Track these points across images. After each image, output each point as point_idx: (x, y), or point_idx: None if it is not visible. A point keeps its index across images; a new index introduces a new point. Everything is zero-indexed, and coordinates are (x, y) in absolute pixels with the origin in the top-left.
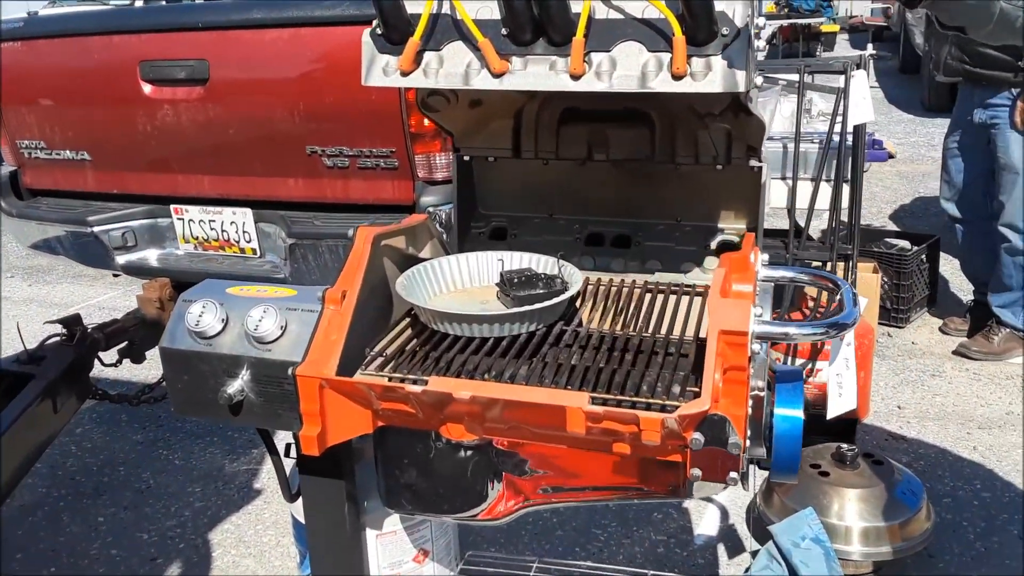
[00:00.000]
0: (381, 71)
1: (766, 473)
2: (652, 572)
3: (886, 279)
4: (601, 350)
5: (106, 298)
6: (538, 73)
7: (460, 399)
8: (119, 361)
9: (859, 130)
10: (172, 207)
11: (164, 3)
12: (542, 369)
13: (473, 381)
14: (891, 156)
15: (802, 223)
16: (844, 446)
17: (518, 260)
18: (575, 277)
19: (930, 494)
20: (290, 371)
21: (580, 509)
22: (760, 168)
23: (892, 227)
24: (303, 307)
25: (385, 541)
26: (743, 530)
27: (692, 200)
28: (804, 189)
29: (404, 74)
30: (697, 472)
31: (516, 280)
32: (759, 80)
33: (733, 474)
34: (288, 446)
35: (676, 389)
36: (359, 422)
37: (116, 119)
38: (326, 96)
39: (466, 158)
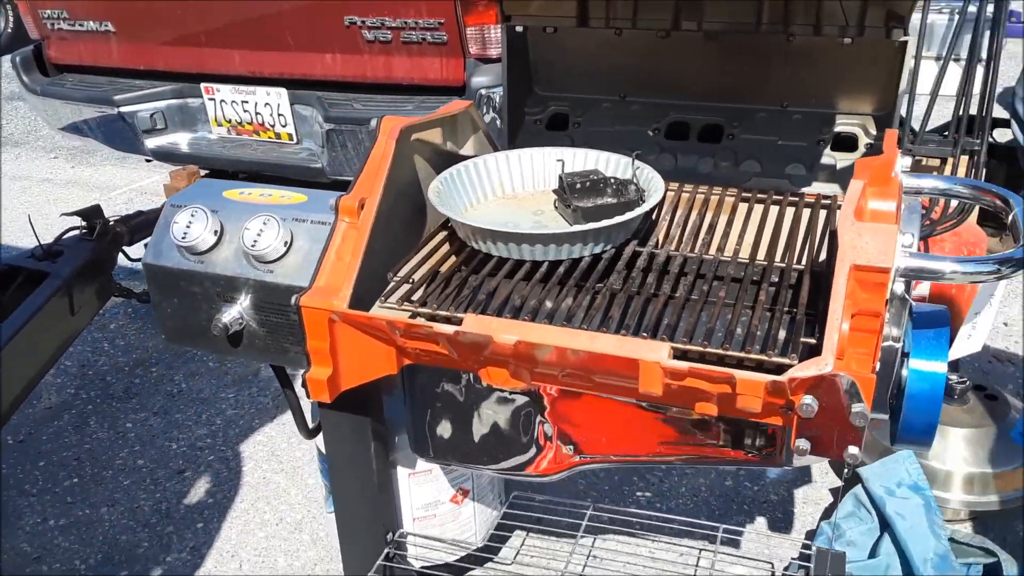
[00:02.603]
0: None
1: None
2: (722, 525)
3: (1000, 173)
4: (685, 280)
5: (149, 182)
6: None
7: (503, 344)
8: None
9: None
10: (203, 86)
11: None
12: (608, 306)
13: (519, 322)
14: None
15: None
16: (953, 376)
17: (582, 159)
18: (654, 183)
19: None
20: (293, 300)
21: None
22: (905, 43)
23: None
24: (313, 218)
25: (419, 480)
26: (823, 463)
27: (807, 82)
28: (927, 70)
29: None
30: (805, 445)
31: (579, 186)
32: None
33: (853, 449)
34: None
35: (782, 335)
36: (381, 362)
37: None
38: None
39: (518, 28)
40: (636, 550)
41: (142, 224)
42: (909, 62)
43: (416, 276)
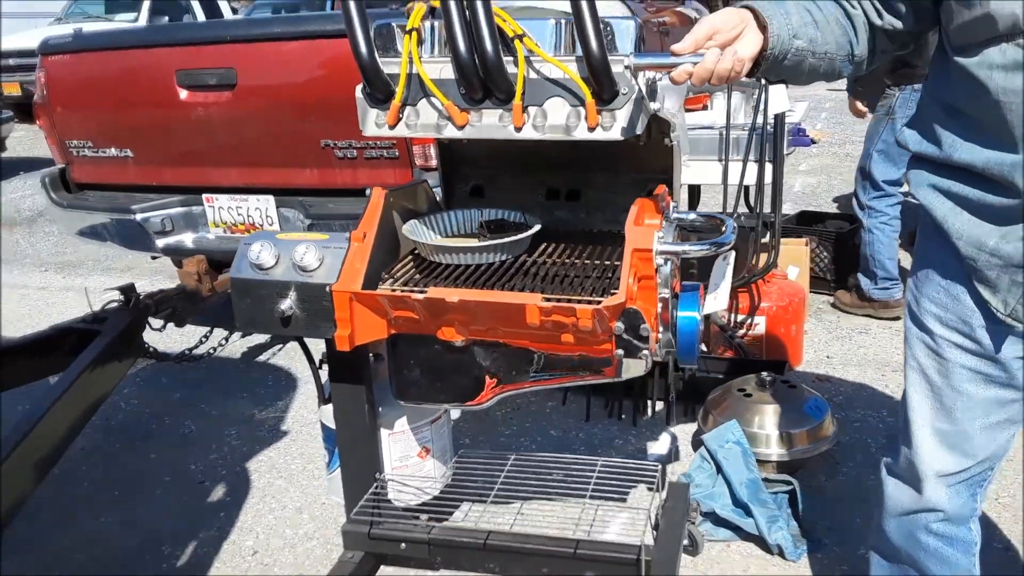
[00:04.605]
0: (374, 124)
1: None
2: (602, 459)
3: (827, 254)
4: (554, 272)
5: (137, 286)
6: (490, 125)
7: (451, 303)
8: (164, 326)
9: (779, 118)
10: (204, 196)
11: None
12: (510, 283)
13: (460, 289)
14: (814, 142)
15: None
16: (765, 374)
17: (495, 214)
18: (536, 223)
19: (843, 421)
20: (327, 289)
21: (554, 438)
22: (673, 145)
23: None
24: (335, 245)
25: (395, 439)
26: (688, 450)
27: (629, 161)
28: (739, 170)
29: (391, 127)
30: (620, 352)
31: (493, 227)
32: (655, 105)
33: (646, 352)
34: (321, 361)
35: (606, 292)
36: (377, 328)
37: (155, 120)
38: (336, 97)
39: (445, 142)
40: (548, 502)
41: (163, 299)
42: (680, 154)
43: (398, 275)
